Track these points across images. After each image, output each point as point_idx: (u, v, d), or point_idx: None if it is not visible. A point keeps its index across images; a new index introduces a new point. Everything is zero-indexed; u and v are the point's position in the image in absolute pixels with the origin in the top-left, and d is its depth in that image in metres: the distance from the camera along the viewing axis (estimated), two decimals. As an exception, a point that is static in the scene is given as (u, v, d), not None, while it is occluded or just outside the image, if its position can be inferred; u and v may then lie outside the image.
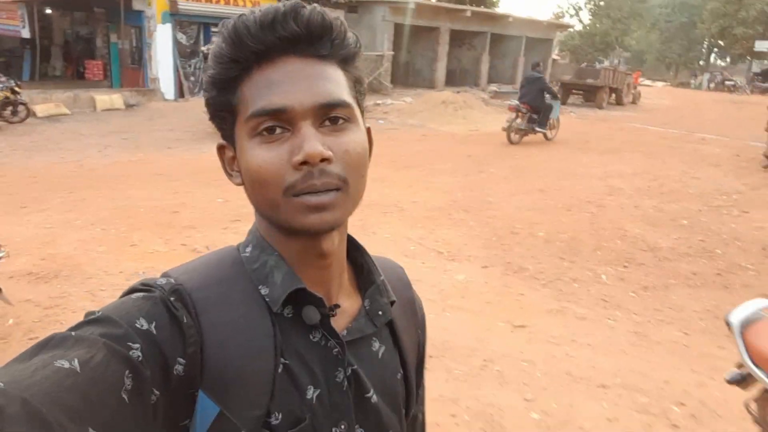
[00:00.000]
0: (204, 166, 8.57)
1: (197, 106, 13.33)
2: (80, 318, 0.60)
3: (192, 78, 17.04)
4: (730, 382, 2.05)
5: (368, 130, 0.73)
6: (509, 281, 4.92)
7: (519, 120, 11.80)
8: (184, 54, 16.84)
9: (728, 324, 2.06)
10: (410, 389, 0.82)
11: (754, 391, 2.05)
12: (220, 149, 0.73)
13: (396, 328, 0.81)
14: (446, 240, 5.85)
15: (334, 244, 0.73)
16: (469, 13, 23.06)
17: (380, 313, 0.78)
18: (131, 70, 17.02)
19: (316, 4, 0.68)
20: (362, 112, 0.72)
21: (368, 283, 0.79)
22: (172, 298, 0.64)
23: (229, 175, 0.73)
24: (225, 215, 6.24)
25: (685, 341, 3.98)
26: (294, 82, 0.65)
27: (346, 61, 0.70)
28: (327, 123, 0.67)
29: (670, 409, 3.14)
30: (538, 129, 11.98)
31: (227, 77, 0.67)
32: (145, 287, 0.65)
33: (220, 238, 5.43)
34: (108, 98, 14.76)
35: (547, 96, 11.78)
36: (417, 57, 24.85)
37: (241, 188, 0.71)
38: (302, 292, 0.69)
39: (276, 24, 0.64)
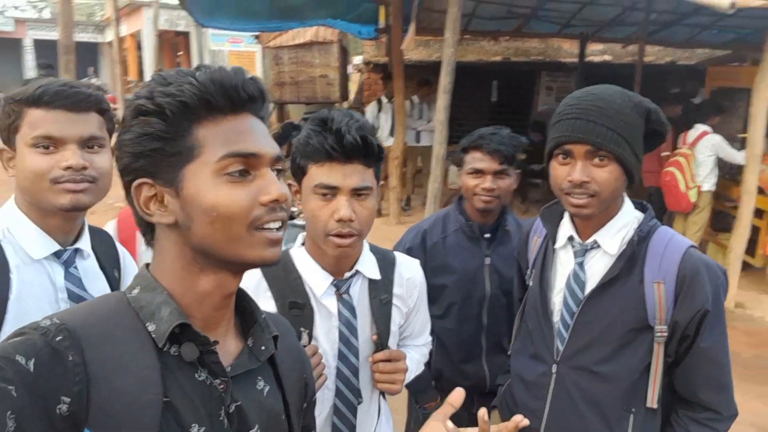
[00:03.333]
0: None
1: None
2: None
3: None
4: None
5: None
6: None
7: None
8: None
9: None
10: (292, 430, 0.87)
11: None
12: (138, 188, 0.73)
13: (279, 370, 0.86)
14: None
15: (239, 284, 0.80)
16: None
17: (263, 348, 0.83)
18: None
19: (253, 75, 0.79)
20: None
21: (251, 322, 0.84)
22: (58, 338, 0.65)
23: (146, 214, 0.73)
24: None
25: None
26: (258, 134, 0.75)
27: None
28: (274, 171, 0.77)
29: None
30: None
31: (189, 117, 0.71)
32: (23, 331, 0.65)
33: None
34: None
35: None
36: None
37: None
38: (187, 330, 0.72)
39: (245, 84, 0.74)
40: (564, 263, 1.44)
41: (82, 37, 25.66)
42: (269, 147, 0.75)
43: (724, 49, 7.36)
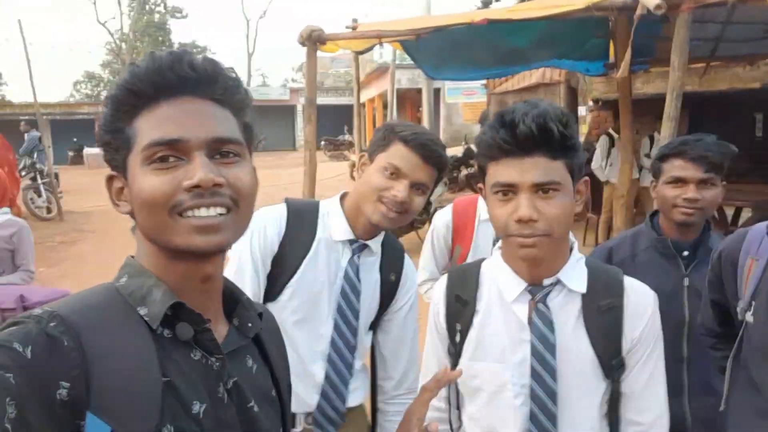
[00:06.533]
0: None
1: None
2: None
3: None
4: None
5: (253, 170, 0.80)
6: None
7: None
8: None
9: None
10: (284, 406, 0.85)
11: None
12: (109, 180, 0.78)
13: (265, 347, 0.87)
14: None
15: (217, 268, 0.78)
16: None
17: (250, 324, 0.83)
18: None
19: (207, 55, 0.78)
20: (251, 156, 0.81)
21: (234, 303, 0.84)
22: (52, 324, 0.65)
23: (116, 205, 0.78)
24: None
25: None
26: (190, 117, 0.72)
27: (237, 108, 0.78)
28: (218, 156, 0.74)
29: None
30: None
31: (123, 108, 0.73)
32: (18, 320, 0.66)
33: None
34: None
35: None
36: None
37: None
38: (181, 311, 0.73)
39: (173, 65, 0.72)
40: None
41: (342, 100, 29.57)
42: (199, 130, 0.72)
43: None
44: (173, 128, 0.71)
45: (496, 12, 4.95)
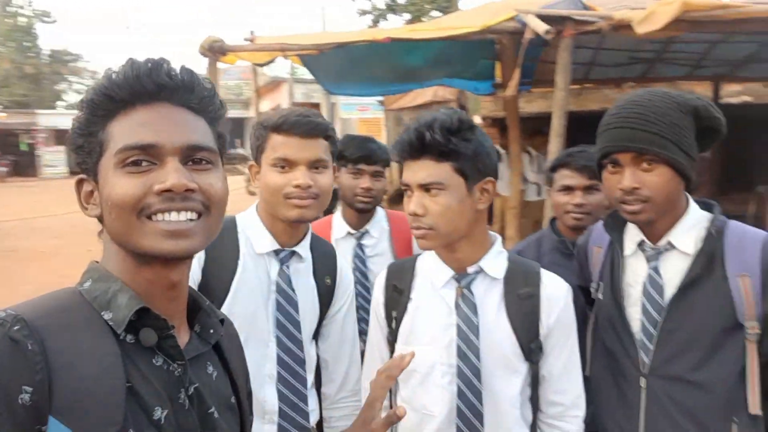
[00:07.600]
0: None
1: None
2: None
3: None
4: None
5: (225, 178, 0.81)
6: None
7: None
8: None
9: None
10: (244, 414, 0.87)
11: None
12: (79, 183, 0.78)
13: (225, 354, 0.88)
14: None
15: (183, 276, 0.79)
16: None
17: (212, 331, 0.84)
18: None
19: (183, 65, 0.78)
20: (223, 164, 0.82)
21: (196, 309, 0.85)
22: (16, 327, 0.64)
23: (84, 208, 0.79)
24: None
25: None
26: (165, 123, 0.74)
27: (212, 117, 0.80)
28: (191, 163, 0.75)
29: None
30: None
31: (99, 112, 0.74)
32: None
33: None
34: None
35: None
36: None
37: None
38: (145, 316, 0.73)
39: (152, 72, 0.73)
40: (636, 270, 1.40)
41: (232, 113, 28.81)
42: (174, 137, 0.72)
43: None
44: (148, 133, 0.72)
45: (397, 30, 5.13)
